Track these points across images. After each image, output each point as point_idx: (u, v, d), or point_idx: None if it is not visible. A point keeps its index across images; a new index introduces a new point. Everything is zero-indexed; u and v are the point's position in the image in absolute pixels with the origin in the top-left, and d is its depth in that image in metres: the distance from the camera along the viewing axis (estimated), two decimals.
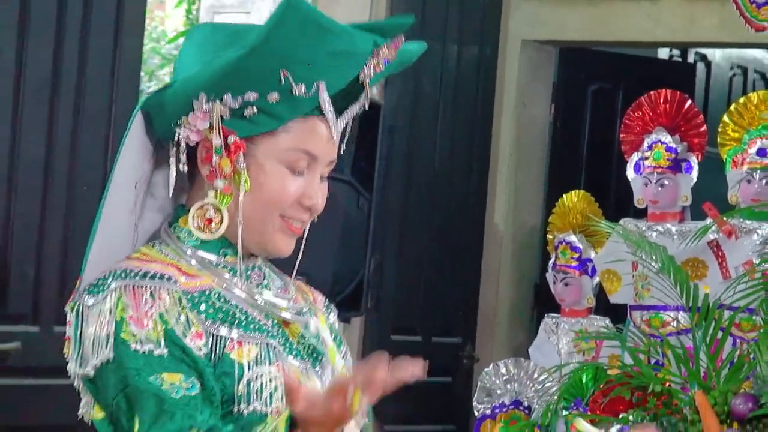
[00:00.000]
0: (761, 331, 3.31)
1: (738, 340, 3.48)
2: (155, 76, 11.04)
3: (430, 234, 6.23)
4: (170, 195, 2.09)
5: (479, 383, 3.99)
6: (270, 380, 2.00)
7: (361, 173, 5.11)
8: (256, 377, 2.00)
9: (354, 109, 2.12)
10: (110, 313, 1.95)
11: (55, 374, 4.53)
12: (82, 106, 4.51)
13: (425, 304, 6.21)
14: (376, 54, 2.07)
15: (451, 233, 6.29)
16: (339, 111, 2.09)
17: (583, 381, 3.40)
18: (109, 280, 1.97)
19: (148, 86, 10.85)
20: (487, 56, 6.49)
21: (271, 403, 1.99)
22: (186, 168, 2.05)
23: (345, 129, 2.12)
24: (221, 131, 2.02)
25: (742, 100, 4.06)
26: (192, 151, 2.05)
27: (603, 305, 4.31)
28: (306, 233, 2.11)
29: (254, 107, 2.02)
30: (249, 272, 2.10)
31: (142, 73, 10.28)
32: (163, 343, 1.94)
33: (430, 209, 6.18)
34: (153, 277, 1.98)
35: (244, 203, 2.04)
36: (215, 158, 2.02)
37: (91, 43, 4.52)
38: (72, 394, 5.15)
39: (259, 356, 2.01)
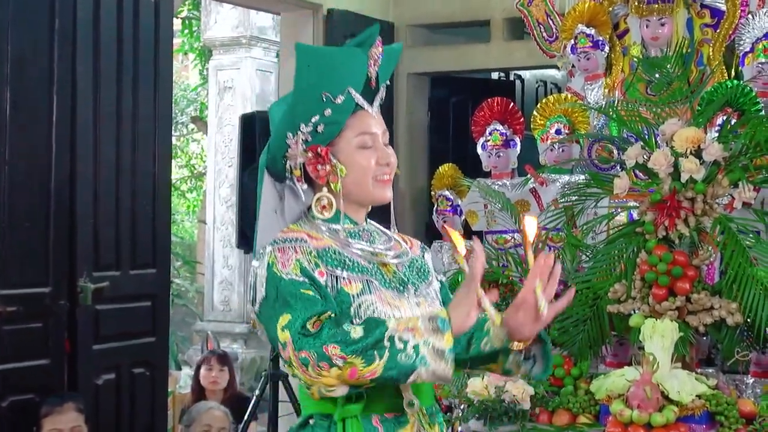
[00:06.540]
0: (564, 241, 3.31)
1: (551, 248, 3.47)
2: (185, 112, 10.90)
3: None
4: (302, 201, 2.02)
5: None
6: (370, 304, 1.92)
7: None
8: (361, 304, 1.91)
9: (381, 94, 2.06)
10: (266, 265, 1.90)
11: (130, 301, 4.47)
12: (136, 129, 4.42)
13: None
14: (371, 56, 2.00)
15: None
16: (371, 100, 2.03)
17: (459, 280, 3.38)
18: (268, 246, 1.91)
19: (181, 117, 10.73)
20: (388, 85, 6.39)
21: None
22: (305, 185, 1.99)
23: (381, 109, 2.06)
24: (311, 149, 1.96)
25: (544, 100, 4.07)
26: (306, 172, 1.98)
27: (468, 232, 4.29)
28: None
29: (321, 124, 1.95)
30: (360, 233, 2.02)
31: (176, 110, 10.18)
32: (300, 274, 1.87)
33: None
34: (293, 240, 1.92)
35: (348, 180, 1.98)
36: (319, 167, 1.96)
37: (141, 89, 4.43)
38: (140, 311, 4.95)
39: (363, 289, 1.93)
